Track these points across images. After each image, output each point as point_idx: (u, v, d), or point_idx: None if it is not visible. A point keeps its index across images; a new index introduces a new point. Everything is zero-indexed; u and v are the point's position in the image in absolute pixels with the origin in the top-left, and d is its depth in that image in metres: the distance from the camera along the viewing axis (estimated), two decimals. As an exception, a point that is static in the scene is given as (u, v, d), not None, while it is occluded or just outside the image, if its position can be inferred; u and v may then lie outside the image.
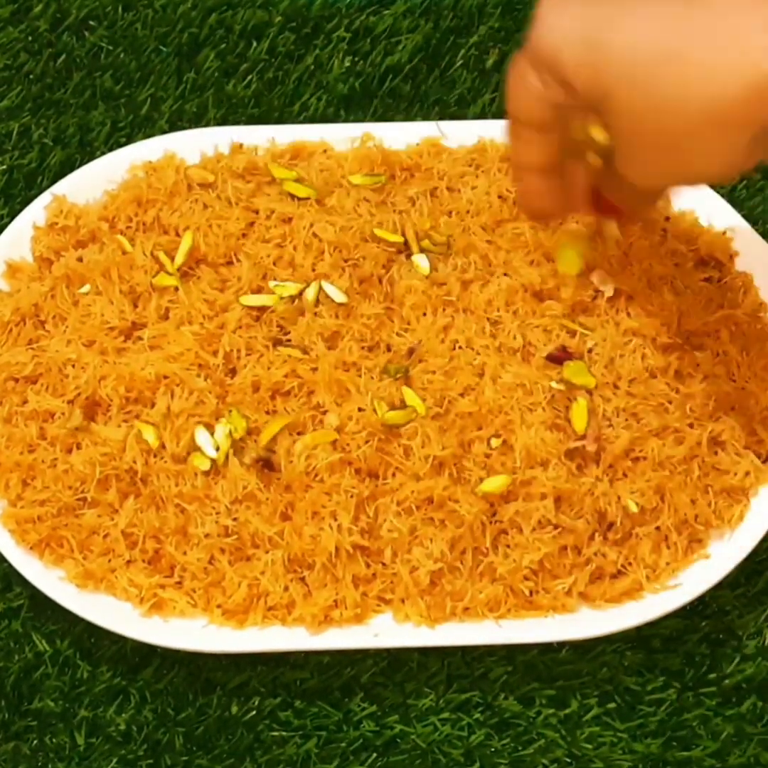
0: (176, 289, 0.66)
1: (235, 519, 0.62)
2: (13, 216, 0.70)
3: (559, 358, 0.65)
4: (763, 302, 0.69)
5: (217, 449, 0.63)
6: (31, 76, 0.77)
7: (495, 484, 0.62)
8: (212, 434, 0.63)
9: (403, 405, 0.64)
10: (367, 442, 0.63)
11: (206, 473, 0.63)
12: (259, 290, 0.66)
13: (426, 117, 0.76)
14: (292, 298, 0.66)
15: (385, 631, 0.62)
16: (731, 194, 0.73)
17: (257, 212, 0.69)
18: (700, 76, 0.42)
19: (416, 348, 0.65)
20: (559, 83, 0.46)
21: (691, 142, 0.44)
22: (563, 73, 0.46)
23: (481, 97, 0.76)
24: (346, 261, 0.67)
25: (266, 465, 0.63)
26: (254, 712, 0.64)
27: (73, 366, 0.65)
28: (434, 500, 0.62)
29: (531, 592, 0.63)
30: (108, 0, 0.78)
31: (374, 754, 0.64)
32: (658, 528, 0.63)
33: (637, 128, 0.45)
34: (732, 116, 0.43)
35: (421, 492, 0.62)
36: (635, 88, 0.44)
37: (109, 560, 0.63)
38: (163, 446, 0.63)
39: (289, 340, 0.65)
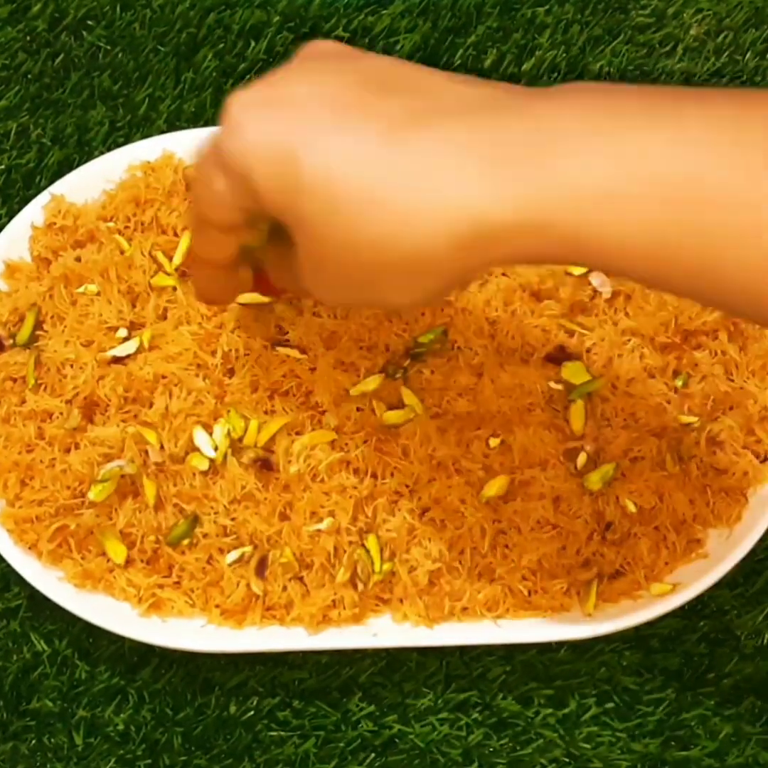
0: (174, 289, 0.66)
1: (233, 519, 0.62)
2: (11, 216, 0.70)
3: (557, 358, 0.65)
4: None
5: (216, 449, 0.63)
6: (29, 76, 0.77)
7: (495, 487, 0.62)
8: (211, 434, 0.63)
9: (402, 405, 0.64)
10: (365, 441, 0.63)
11: (205, 473, 0.63)
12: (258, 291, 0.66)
13: (424, 117, 0.76)
14: (290, 298, 0.66)
15: (384, 631, 0.62)
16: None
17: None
18: (399, 222, 0.39)
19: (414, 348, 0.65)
20: (246, 193, 0.42)
21: (383, 282, 0.41)
22: (253, 185, 0.41)
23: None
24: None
25: (264, 465, 0.63)
26: (253, 712, 0.64)
27: (72, 366, 0.65)
28: (433, 500, 0.62)
29: (529, 592, 0.63)
30: (106, 0, 0.78)
31: (373, 754, 0.64)
32: (656, 528, 0.63)
33: (328, 257, 0.41)
34: (432, 266, 0.40)
35: (419, 492, 0.62)
36: (330, 223, 0.40)
37: (108, 560, 0.63)
38: (161, 446, 0.63)
39: (287, 340, 0.65)
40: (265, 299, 0.66)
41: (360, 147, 0.40)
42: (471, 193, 0.38)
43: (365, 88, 0.41)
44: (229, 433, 0.63)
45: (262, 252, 0.50)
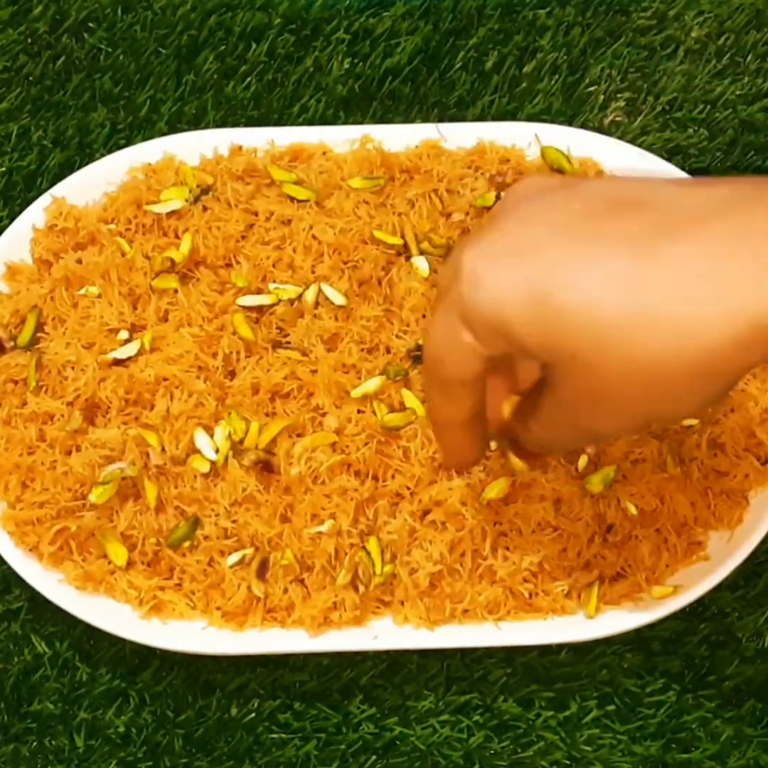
0: (176, 291, 0.66)
1: (234, 521, 0.62)
2: (12, 218, 0.70)
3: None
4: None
5: (217, 451, 0.63)
6: (30, 78, 0.77)
7: (496, 489, 0.62)
8: (212, 436, 0.63)
9: (403, 407, 0.64)
10: (366, 444, 0.63)
11: (206, 475, 0.63)
12: (258, 292, 0.66)
13: (425, 119, 0.76)
14: (291, 301, 0.66)
15: (385, 633, 0.62)
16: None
17: (256, 214, 0.69)
18: (678, 334, 0.38)
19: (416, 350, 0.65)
20: (502, 342, 0.41)
21: (667, 396, 0.40)
22: (510, 334, 0.40)
23: (480, 99, 0.76)
24: (345, 263, 0.67)
25: (265, 467, 0.63)
26: (253, 714, 0.64)
27: (73, 368, 0.65)
28: (434, 502, 0.62)
29: (530, 594, 0.63)
30: (107, 2, 0.78)
31: (374, 757, 0.64)
32: (657, 530, 0.63)
33: (607, 387, 0.40)
34: (715, 370, 0.39)
35: (420, 494, 0.62)
36: (604, 351, 0.39)
37: (109, 562, 0.63)
38: (162, 449, 0.63)
39: (288, 343, 0.65)
40: (266, 301, 0.66)
41: (613, 271, 0.39)
42: (744, 292, 0.38)
43: (595, 215, 0.40)
44: (230, 436, 0.63)
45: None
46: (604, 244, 0.39)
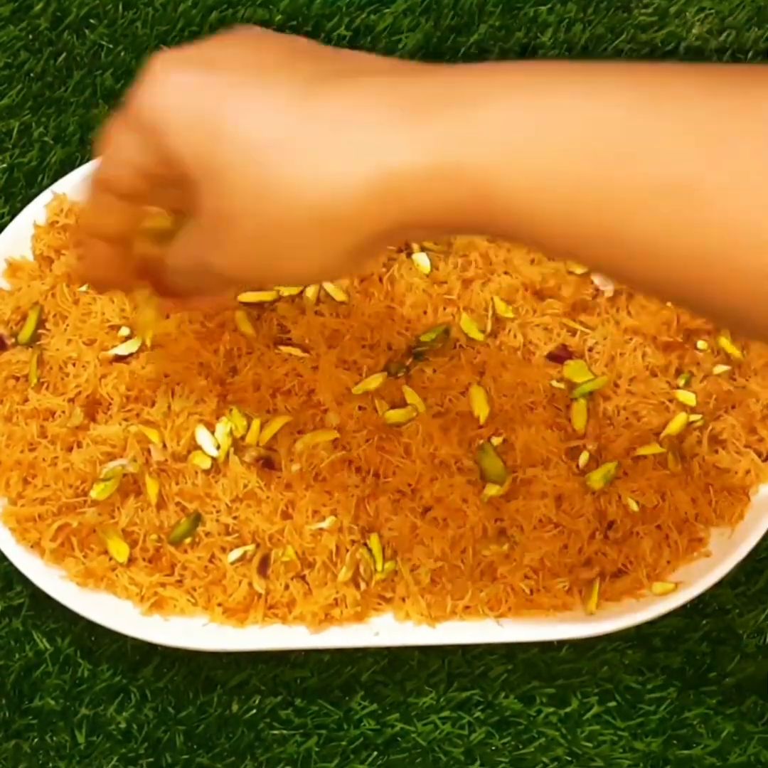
0: (177, 287, 0.66)
1: (235, 517, 0.62)
2: (13, 214, 0.70)
3: (559, 356, 0.65)
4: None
5: (218, 448, 0.63)
6: (31, 75, 0.77)
7: (497, 485, 0.62)
8: (212, 433, 0.63)
9: (404, 403, 0.64)
10: (367, 440, 0.63)
11: (207, 472, 0.63)
12: (259, 289, 0.66)
13: (426, 115, 0.76)
14: (292, 297, 0.66)
15: (386, 629, 0.62)
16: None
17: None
18: (310, 169, 0.38)
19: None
20: (158, 152, 0.41)
21: (292, 241, 0.40)
22: (167, 142, 0.41)
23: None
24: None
25: (266, 464, 0.63)
26: (255, 711, 0.65)
27: (74, 364, 0.65)
28: (435, 499, 0.62)
29: (531, 591, 0.63)
30: (108, -2, 0.78)
31: (375, 753, 0.64)
32: (658, 526, 0.63)
33: (236, 212, 0.40)
34: (342, 217, 0.39)
35: (421, 490, 0.62)
36: (246, 176, 0.39)
37: (110, 559, 0.63)
38: (163, 445, 0.63)
39: (289, 339, 0.65)
40: (267, 297, 0.66)
41: (280, 100, 0.40)
42: (383, 140, 0.38)
43: (287, 54, 0.42)
44: (231, 432, 0.63)
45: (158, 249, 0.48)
46: (283, 76, 0.40)
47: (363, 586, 0.62)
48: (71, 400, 0.64)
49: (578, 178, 0.37)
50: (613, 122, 0.37)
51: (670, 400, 0.65)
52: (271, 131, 0.39)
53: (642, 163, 0.37)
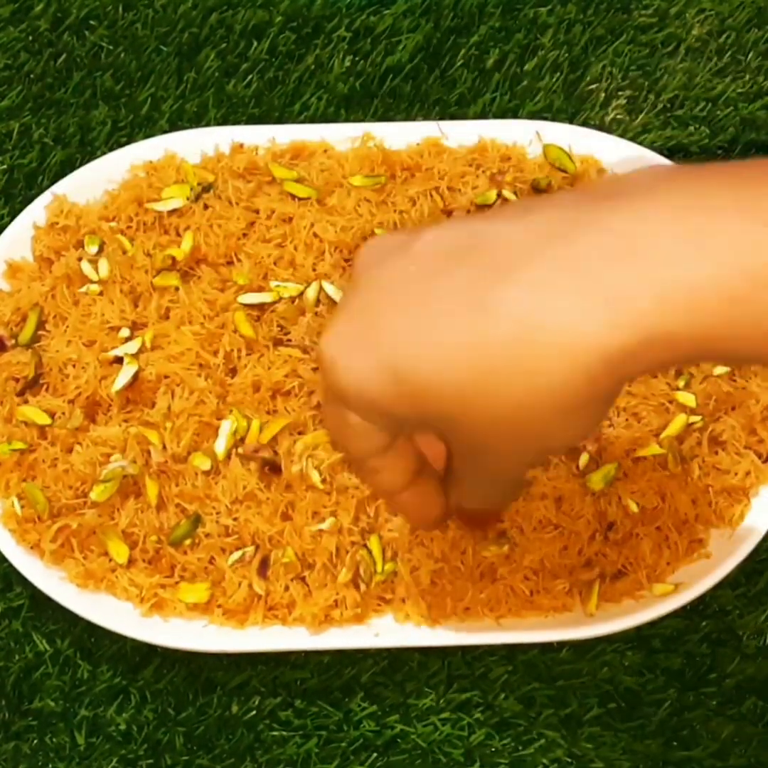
0: (177, 289, 0.66)
1: (235, 519, 0.62)
2: (13, 216, 0.70)
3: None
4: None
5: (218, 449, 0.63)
6: (31, 76, 0.77)
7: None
8: (217, 432, 0.63)
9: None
10: (367, 441, 0.63)
11: (207, 473, 0.63)
12: (259, 290, 0.66)
13: (426, 117, 0.76)
14: (292, 298, 0.66)
15: (386, 630, 0.62)
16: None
17: (258, 212, 0.69)
18: (523, 379, 0.37)
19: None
20: (383, 418, 0.41)
21: (544, 433, 0.39)
22: (384, 412, 0.40)
23: (481, 97, 0.76)
24: (346, 261, 0.67)
25: (272, 468, 0.62)
26: (254, 712, 0.64)
27: (74, 366, 0.65)
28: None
29: (531, 592, 0.63)
30: (108, 0, 0.78)
31: (375, 754, 0.64)
32: (658, 528, 0.63)
33: (484, 441, 0.40)
34: (577, 400, 0.38)
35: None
36: (465, 410, 0.39)
37: (110, 560, 0.63)
38: (163, 446, 0.63)
39: (289, 340, 0.65)
40: (267, 299, 0.66)
41: (449, 332, 0.38)
42: (578, 329, 0.36)
43: (427, 273, 0.40)
44: (234, 432, 0.63)
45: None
46: (437, 306, 0.39)
47: (363, 587, 0.62)
48: (71, 402, 0.64)
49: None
50: None
51: (670, 402, 0.65)
52: (465, 361, 0.38)
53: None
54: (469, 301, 0.38)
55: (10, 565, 0.63)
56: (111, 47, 0.77)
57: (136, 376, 0.64)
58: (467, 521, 0.52)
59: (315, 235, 0.67)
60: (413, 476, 0.45)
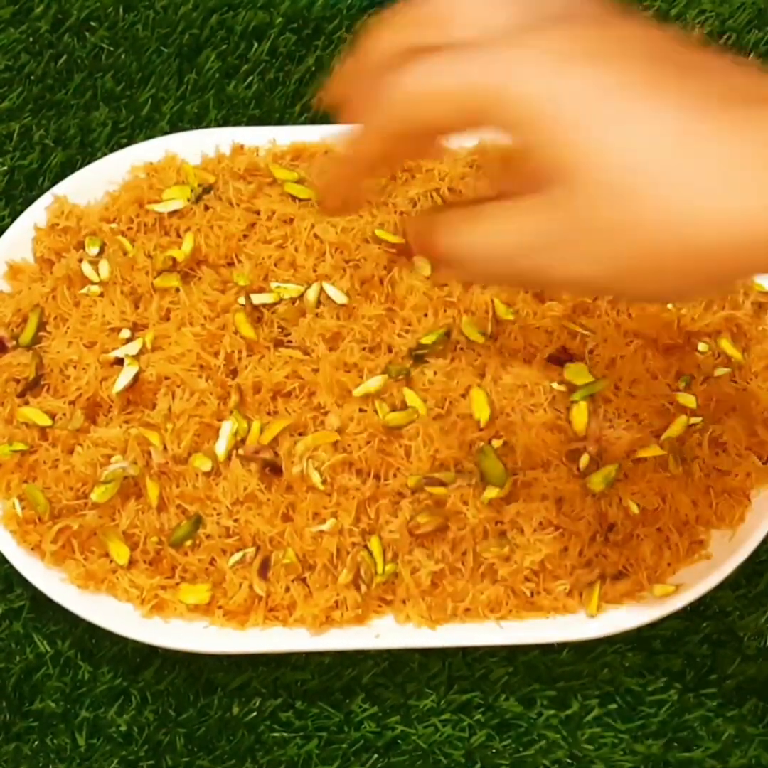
0: (177, 290, 0.66)
1: (236, 520, 0.62)
2: (14, 217, 0.70)
3: (560, 359, 0.65)
4: (764, 303, 0.69)
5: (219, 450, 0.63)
6: (32, 77, 0.77)
7: (498, 488, 0.62)
8: (216, 435, 0.63)
9: (404, 406, 0.64)
10: (368, 443, 0.63)
11: (207, 474, 0.63)
12: (260, 291, 0.66)
13: (427, 118, 0.76)
14: (293, 299, 0.66)
15: (386, 632, 0.62)
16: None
17: (258, 213, 0.69)
18: (681, 221, 0.36)
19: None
20: (497, 116, 0.38)
21: (647, 262, 0.37)
22: (538, 124, 0.37)
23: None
24: (347, 262, 0.67)
25: (272, 469, 0.62)
26: (255, 713, 0.64)
27: (75, 367, 0.65)
28: (435, 501, 0.62)
29: (532, 593, 0.63)
30: (109, 1, 0.78)
31: (375, 755, 0.64)
32: (659, 529, 0.63)
33: (603, 232, 0.37)
34: (701, 266, 0.37)
35: (422, 492, 0.62)
36: (623, 191, 0.37)
37: (111, 561, 0.63)
38: (164, 447, 0.63)
39: (290, 342, 0.65)
40: (268, 300, 0.66)
41: (668, 122, 0.36)
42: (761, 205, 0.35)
43: (657, 64, 0.38)
44: (236, 433, 0.63)
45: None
46: (668, 92, 0.37)
47: (363, 588, 0.62)
48: (72, 403, 0.64)
49: None
50: None
51: (671, 403, 0.65)
52: (651, 166, 0.36)
53: None
54: (695, 106, 0.36)
55: (11, 567, 0.63)
56: (112, 48, 0.77)
57: (136, 378, 0.64)
58: (415, 240, 0.44)
59: (316, 236, 0.67)
60: (373, 170, 0.43)
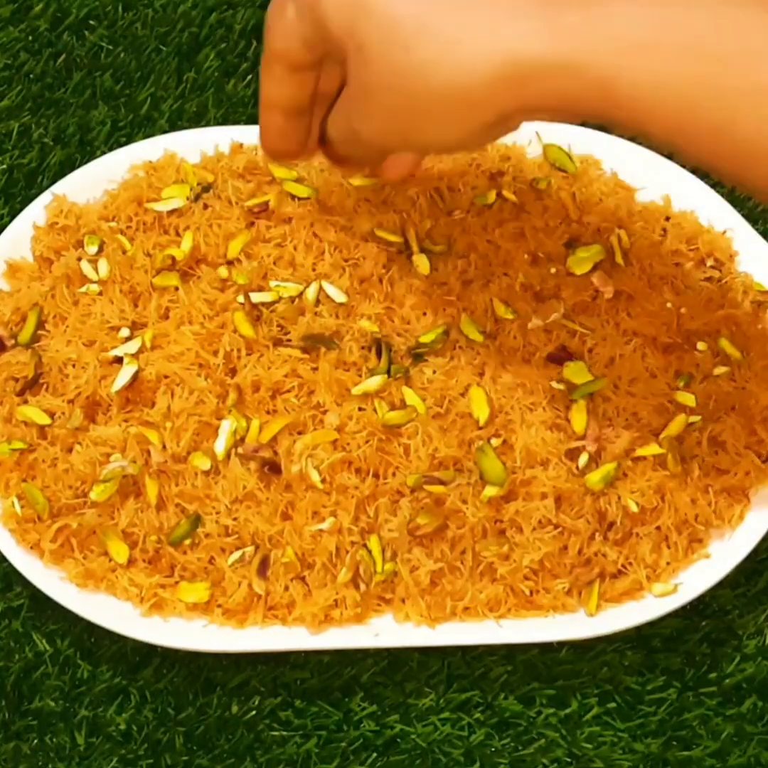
0: (176, 288, 0.66)
1: (235, 519, 0.62)
2: (13, 215, 0.70)
3: (559, 358, 0.65)
4: (763, 302, 0.69)
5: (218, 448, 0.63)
6: (31, 76, 0.77)
7: (497, 487, 0.62)
8: (215, 433, 0.63)
9: (404, 405, 0.64)
10: (367, 441, 0.63)
11: (206, 473, 0.63)
12: (259, 290, 0.66)
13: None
14: (292, 298, 0.66)
15: (386, 630, 0.62)
16: (731, 194, 0.73)
17: (258, 212, 0.69)
18: (444, 50, 0.42)
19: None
20: (314, 22, 0.46)
21: (428, 114, 0.44)
22: (321, 14, 0.45)
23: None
24: (346, 261, 0.67)
25: (272, 468, 0.62)
26: (254, 712, 0.65)
27: (74, 366, 0.65)
28: (434, 500, 0.62)
29: (531, 592, 0.63)
30: (108, 0, 0.78)
31: (374, 754, 0.64)
32: (658, 528, 0.63)
33: (378, 83, 0.45)
34: (472, 98, 0.43)
35: (421, 491, 0.62)
36: (386, 46, 0.44)
37: (110, 560, 0.63)
38: (163, 446, 0.63)
39: (289, 340, 0.65)
40: (267, 298, 0.66)
41: None
42: (513, 28, 0.41)
43: None
44: (235, 432, 0.63)
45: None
46: None
47: (363, 587, 0.62)
48: (71, 402, 0.64)
49: (695, 77, 0.41)
50: (729, 24, 0.41)
51: (670, 402, 0.65)
52: (411, 9, 0.43)
53: (754, 65, 0.40)
54: None
55: (10, 565, 0.63)
56: (111, 47, 0.77)
57: (135, 376, 0.64)
58: (330, 156, 0.56)
59: (315, 235, 0.67)
60: (298, 109, 0.51)
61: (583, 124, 0.74)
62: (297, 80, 0.50)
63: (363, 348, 0.65)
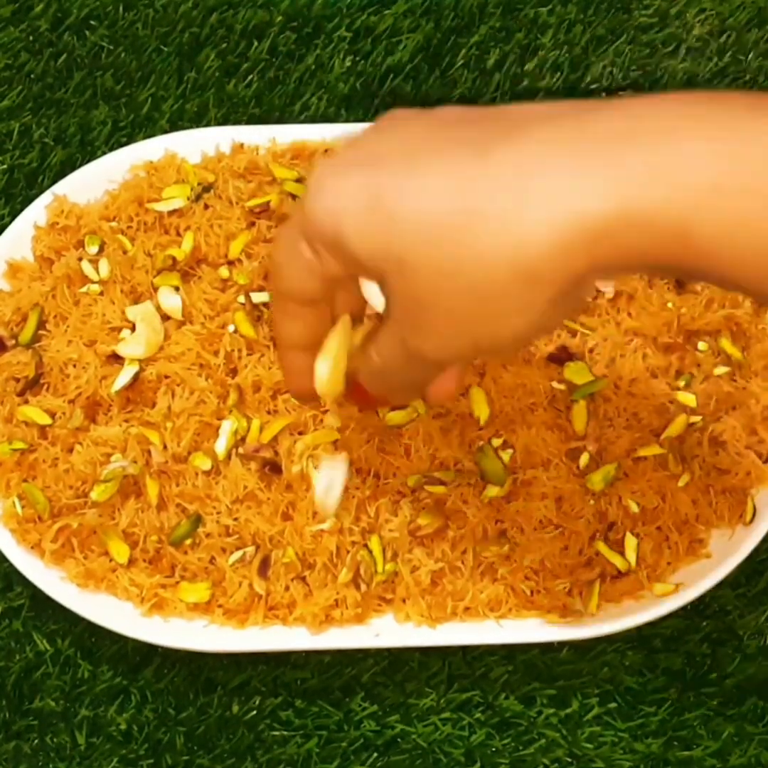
0: (177, 288, 0.66)
1: (236, 519, 0.62)
2: (14, 215, 0.70)
3: (559, 358, 0.65)
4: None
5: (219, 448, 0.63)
6: (31, 76, 0.77)
7: (497, 487, 0.62)
8: (216, 433, 0.63)
9: (404, 405, 0.63)
10: (368, 442, 0.63)
11: (207, 473, 0.63)
12: (260, 290, 0.66)
13: (427, 117, 0.76)
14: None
15: (386, 630, 0.62)
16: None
17: (258, 212, 0.68)
18: (502, 229, 0.37)
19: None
20: (337, 255, 0.41)
21: (494, 307, 0.39)
22: (344, 243, 0.40)
23: (482, 97, 0.76)
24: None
25: (272, 468, 0.62)
26: (255, 712, 0.65)
27: (74, 366, 0.65)
28: (435, 500, 0.62)
29: (532, 592, 0.63)
30: (109, 0, 0.78)
31: (375, 754, 0.64)
32: (658, 528, 0.63)
33: (436, 295, 0.39)
34: (537, 268, 0.38)
35: (422, 491, 0.62)
36: (432, 250, 0.38)
37: (110, 560, 0.63)
38: (164, 446, 0.63)
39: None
40: (268, 299, 0.66)
41: (444, 172, 0.38)
42: (568, 189, 0.37)
43: (440, 127, 0.40)
44: (236, 432, 0.63)
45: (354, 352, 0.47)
46: (443, 149, 0.39)
47: (363, 587, 0.62)
48: (71, 402, 0.64)
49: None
50: None
51: (671, 402, 0.65)
52: (446, 204, 0.38)
53: None
54: (473, 149, 0.38)
55: (11, 565, 0.63)
56: (111, 47, 0.77)
57: (136, 376, 0.64)
58: (355, 394, 0.49)
59: (315, 235, 0.67)
60: (317, 342, 0.46)
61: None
62: (313, 313, 0.45)
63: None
